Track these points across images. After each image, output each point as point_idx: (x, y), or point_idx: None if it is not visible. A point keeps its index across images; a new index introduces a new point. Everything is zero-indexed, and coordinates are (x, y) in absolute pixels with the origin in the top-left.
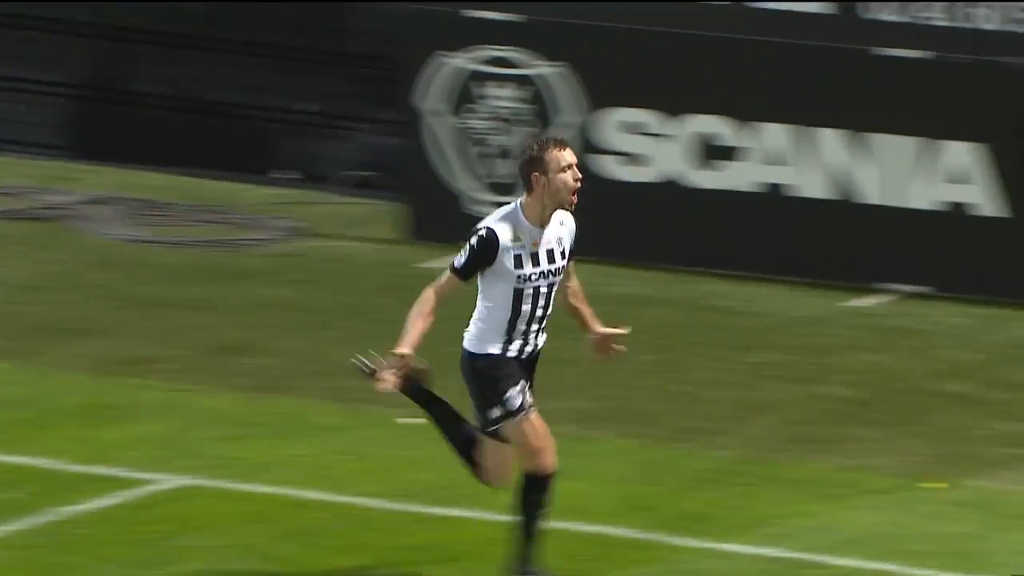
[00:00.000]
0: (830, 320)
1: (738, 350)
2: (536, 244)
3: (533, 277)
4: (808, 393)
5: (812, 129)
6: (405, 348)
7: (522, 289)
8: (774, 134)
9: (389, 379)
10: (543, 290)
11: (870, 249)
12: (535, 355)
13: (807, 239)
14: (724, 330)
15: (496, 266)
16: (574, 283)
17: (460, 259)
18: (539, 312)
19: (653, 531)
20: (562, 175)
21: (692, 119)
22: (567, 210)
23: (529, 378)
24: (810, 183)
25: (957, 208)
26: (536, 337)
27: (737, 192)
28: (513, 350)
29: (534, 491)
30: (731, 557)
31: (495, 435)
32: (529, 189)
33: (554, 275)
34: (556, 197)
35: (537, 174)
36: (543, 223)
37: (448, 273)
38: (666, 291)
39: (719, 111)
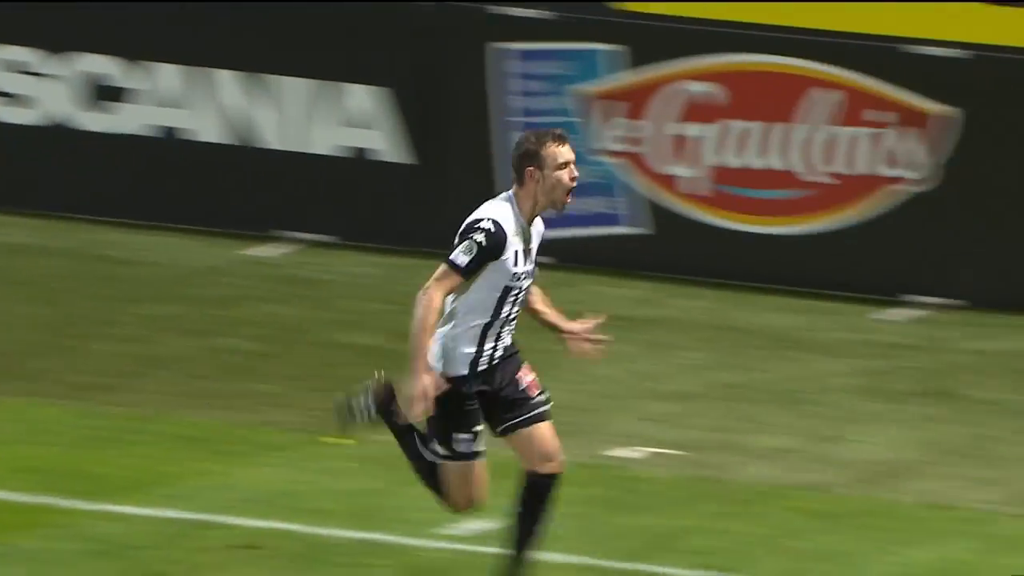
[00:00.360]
0: (229, 270)
1: (133, 302)
2: (528, 240)
3: (524, 276)
4: (207, 346)
5: (207, 70)
6: (426, 372)
7: (511, 288)
8: (167, 75)
9: (422, 401)
10: (523, 292)
11: (270, 196)
12: (506, 355)
13: (204, 185)
14: (118, 281)
15: (496, 263)
16: (539, 297)
17: (464, 256)
18: (514, 314)
19: (42, 494)
20: (559, 173)
21: (79, 58)
22: (558, 211)
23: (509, 378)
24: (205, 127)
25: (359, 154)
26: (507, 339)
27: (129, 136)
28: (484, 361)
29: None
30: (126, 519)
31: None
32: (521, 183)
33: (531, 276)
34: (550, 195)
35: (532, 169)
36: (531, 220)
37: (447, 272)
38: (56, 240)
39: (108, 50)
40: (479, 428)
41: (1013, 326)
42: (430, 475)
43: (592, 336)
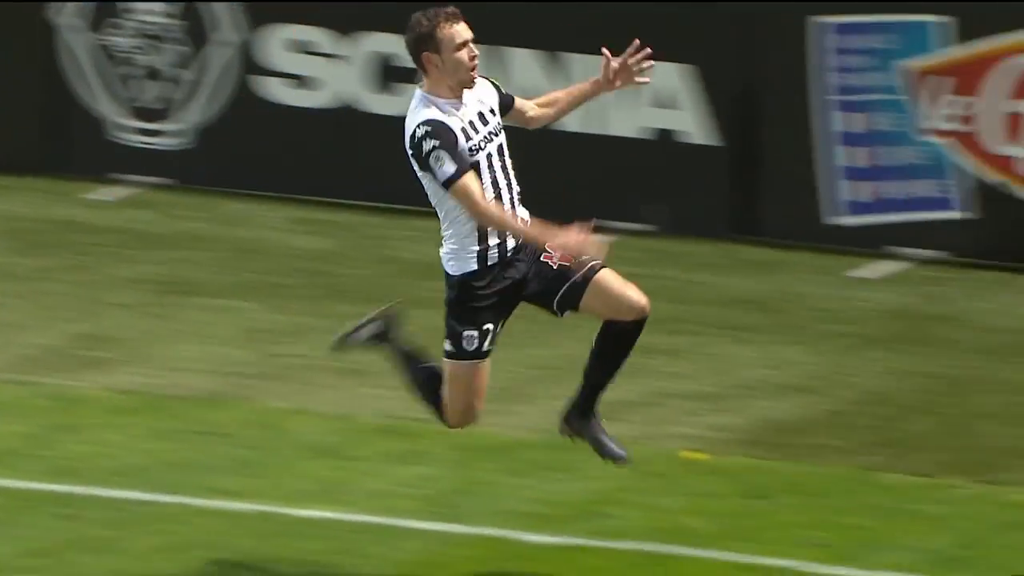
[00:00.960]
0: None
1: None
2: (468, 112)
3: (482, 143)
4: None
5: (500, 48)
6: (541, 226)
7: (478, 161)
8: None
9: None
10: (494, 156)
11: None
12: (522, 245)
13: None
14: None
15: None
16: (533, 105)
17: (447, 165)
18: (502, 181)
19: None
20: (458, 54)
21: (368, 38)
22: (468, 87)
23: (533, 261)
24: None
25: (664, 136)
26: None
27: None
28: (493, 253)
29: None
30: None
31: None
32: (424, 71)
33: (495, 135)
34: (455, 77)
35: (428, 53)
36: (457, 95)
37: (457, 185)
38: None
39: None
40: (488, 327)
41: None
42: (429, 390)
43: (632, 60)
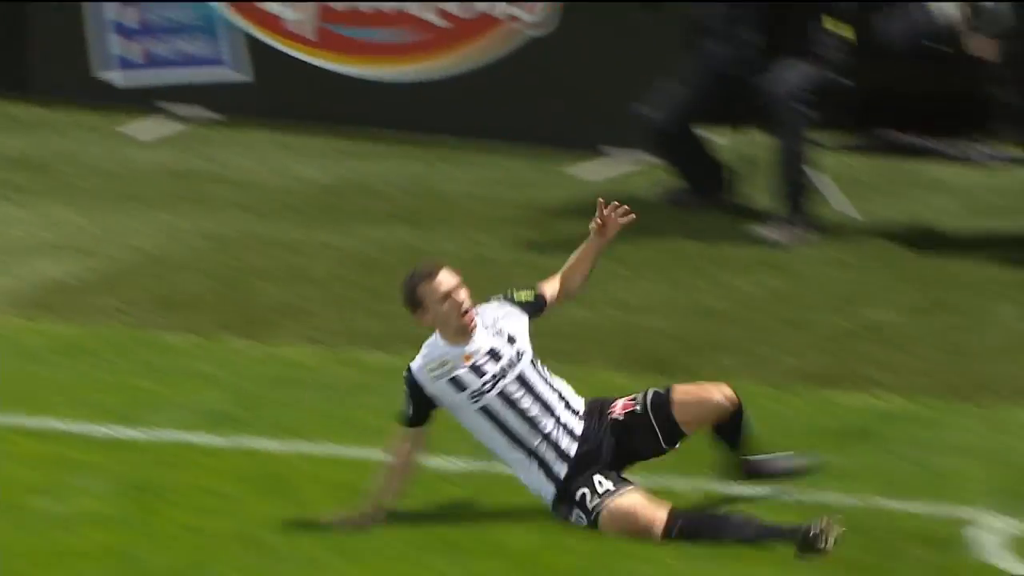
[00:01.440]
0: None
1: None
2: (469, 358)
3: (487, 387)
4: None
5: None
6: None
7: (485, 406)
8: None
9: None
10: (511, 388)
11: None
12: (600, 430)
13: None
14: None
15: (443, 401)
16: (552, 287)
17: (405, 407)
18: (531, 407)
19: None
20: (442, 306)
21: None
22: (467, 333)
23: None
24: None
25: None
26: (560, 428)
27: None
28: (557, 465)
29: None
30: None
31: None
32: (425, 322)
33: (512, 365)
34: (449, 325)
35: (419, 313)
36: (465, 339)
37: (401, 426)
38: None
39: None
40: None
41: None
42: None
43: (615, 213)
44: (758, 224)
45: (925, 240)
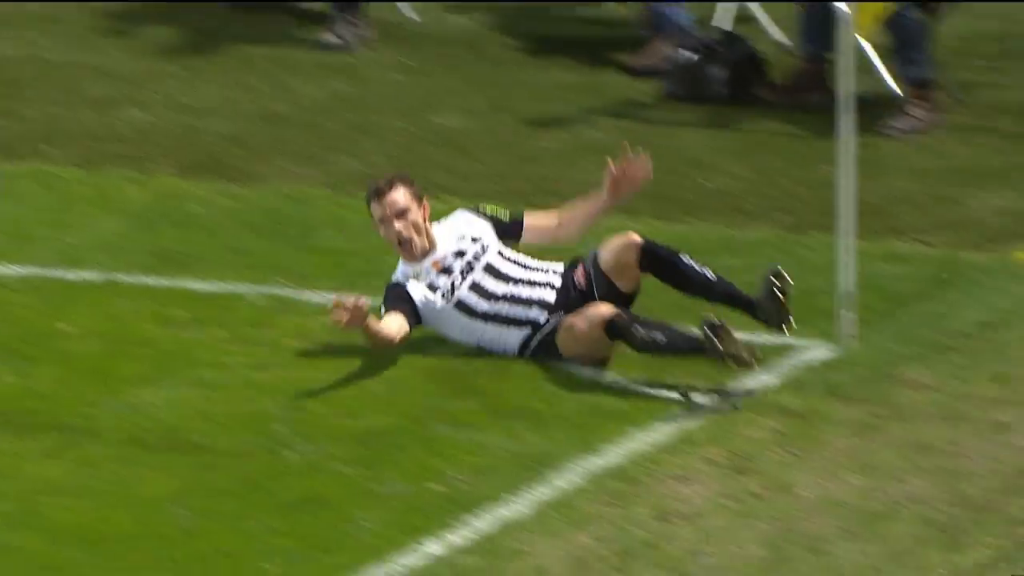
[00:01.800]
0: None
1: None
2: (436, 265)
3: (456, 284)
4: None
5: None
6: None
7: (460, 300)
8: None
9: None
10: (485, 278)
11: None
12: (570, 289)
13: None
14: None
15: (426, 316)
16: (553, 218)
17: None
18: (505, 288)
19: None
20: (380, 230)
21: None
22: (414, 257)
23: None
24: None
25: None
26: (532, 306)
27: None
28: (543, 320)
29: None
30: None
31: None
32: None
33: (477, 256)
34: (393, 248)
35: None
36: (424, 253)
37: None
38: None
39: None
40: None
41: None
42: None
43: (632, 166)
44: (322, 30)
45: (488, 45)
